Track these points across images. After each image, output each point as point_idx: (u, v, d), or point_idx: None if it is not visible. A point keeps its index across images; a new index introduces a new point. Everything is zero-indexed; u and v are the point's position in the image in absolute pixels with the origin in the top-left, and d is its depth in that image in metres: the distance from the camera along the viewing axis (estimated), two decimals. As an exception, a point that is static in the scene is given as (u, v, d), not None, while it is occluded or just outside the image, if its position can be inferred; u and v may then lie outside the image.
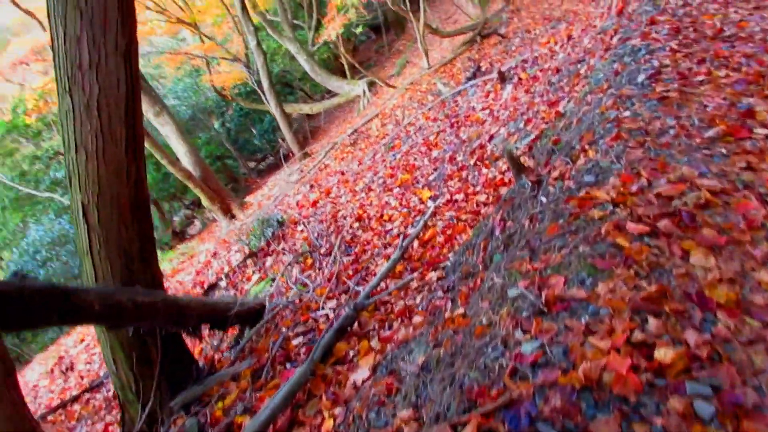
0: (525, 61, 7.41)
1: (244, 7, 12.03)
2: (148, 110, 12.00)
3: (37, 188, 14.54)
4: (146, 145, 12.06)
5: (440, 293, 3.39)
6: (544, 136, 4.70)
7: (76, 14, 2.71)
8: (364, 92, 18.37)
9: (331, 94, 20.22)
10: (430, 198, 5.36)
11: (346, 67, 20.63)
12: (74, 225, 3.18)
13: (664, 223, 2.54)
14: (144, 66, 20.01)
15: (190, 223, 19.42)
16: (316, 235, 5.78)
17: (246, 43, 16.02)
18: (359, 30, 14.69)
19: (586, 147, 3.55)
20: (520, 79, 6.93)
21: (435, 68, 13.76)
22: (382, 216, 5.57)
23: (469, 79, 11.61)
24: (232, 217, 12.90)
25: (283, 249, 6.38)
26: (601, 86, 4.48)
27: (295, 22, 19.83)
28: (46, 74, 14.50)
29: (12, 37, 15.36)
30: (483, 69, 11.77)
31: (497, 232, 3.36)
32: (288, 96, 23.20)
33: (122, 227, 3.09)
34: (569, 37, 7.02)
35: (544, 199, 3.21)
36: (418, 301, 3.58)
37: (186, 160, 12.49)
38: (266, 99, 13.13)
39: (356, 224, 5.62)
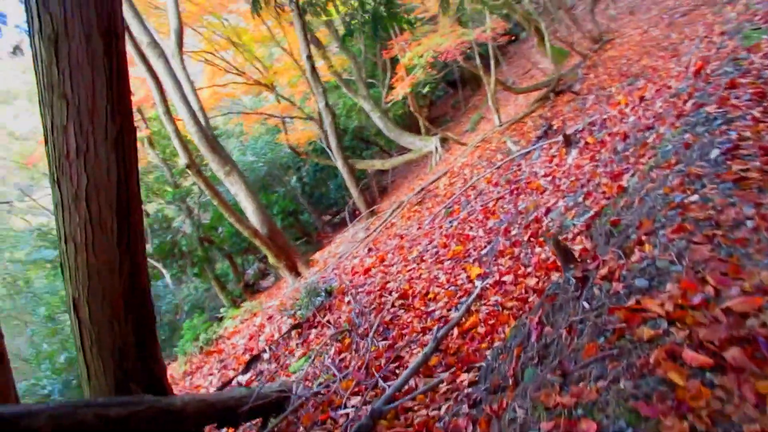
0: (593, 123, 6.89)
1: (313, 70, 12.23)
2: (219, 170, 12.29)
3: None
4: (214, 203, 12.34)
5: (466, 407, 2.92)
6: (604, 214, 4.17)
7: (62, 103, 2.59)
8: (436, 149, 18.17)
9: (405, 149, 20.20)
10: (478, 276, 4.90)
11: (421, 122, 20.63)
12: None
13: (733, 353, 2.00)
14: (223, 124, 20.86)
15: (263, 276, 19.63)
16: (357, 311, 5.42)
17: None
18: (426, 90, 14.55)
19: (643, 238, 3.02)
20: (586, 143, 6.41)
21: (506, 126, 13.36)
22: (427, 294, 5.15)
23: (539, 138, 11.12)
24: (298, 274, 12.81)
25: (328, 321, 6.06)
26: (668, 160, 3.94)
27: (370, 80, 20.10)
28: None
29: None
30: (554, 127, 11.25)
31: (533, 337, 2.87)
32: (364, 151, 23.43)
33: (115, 323, 2.88)
34: (641, 99, 6.46)
35: (586, 305, 2.71)
36: (442, 411, 3.11)
37: (253, 218, 12.60)
38: (334, 157, 13.15)
39: (399, 302, 5.23)
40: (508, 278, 4.52)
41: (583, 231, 4.25)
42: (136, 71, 10.92)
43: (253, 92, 18.27)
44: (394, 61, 18.44)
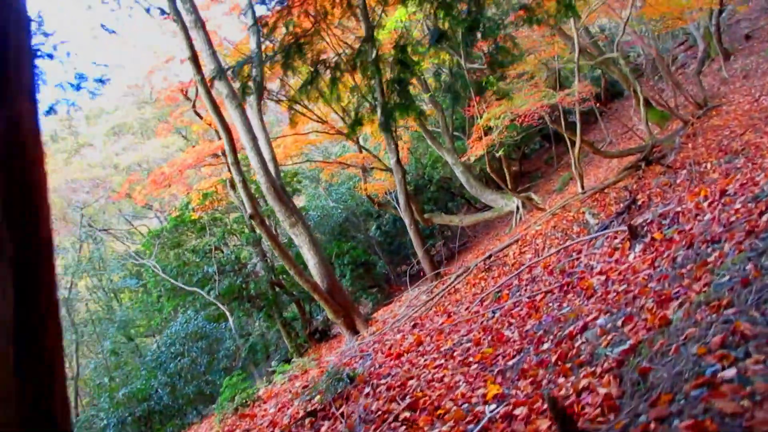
0: (665, 215, 5.99)
1: (387, 126, 11.95)
2: (284, 220, 12.24)
3: (190, 281, 15.45)
4: (276, 253, 12.29)
5: None
6: (638, 352, 3.41)
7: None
8: (518, 209, 17.37)
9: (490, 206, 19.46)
10: (494, 398, 4.21)
11: (508, 177, 19.85)
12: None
13: None
14: (308, 168, 21.10)
15: (331, 324, 19.37)
16: (361, 417, 4.85)
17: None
18: (501, 152, 13.88)
19: (652, 426, 2.30)
20: (652, 239, 5.54)
21: (590, 194, 12.40)
22: (437, 409, 4.51)
23: (619, 214, 10.11)
24: (356, 332, 12.39)
25: (342, 414, 5.53)
26: (720, 298, 3.14)
27: (456, 133, 19.68)
28: (212, 176, 15.75)
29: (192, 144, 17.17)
30: (639, 202, 10.22)
31: None
32: (449, 202, 22.86)
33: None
34: (722, 193, 5.52)
35: None
36: None
37: (315, 271, 12.38)
38: (402, 214, 12.74)
39: (406, 413, 4.61)
40: (521, 410, 3.81)
41: (614, 368, 3.50)
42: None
43: (338, 140, 18.38)
44: (474, 119, 17.97)
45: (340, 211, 19.78)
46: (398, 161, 12.07)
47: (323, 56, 10.13)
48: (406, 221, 12.68)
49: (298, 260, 12.62)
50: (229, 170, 16.70)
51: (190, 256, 16.08)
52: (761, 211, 4.01)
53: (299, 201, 23.49)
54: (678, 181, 9.89)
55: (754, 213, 4.14)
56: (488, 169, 12.12)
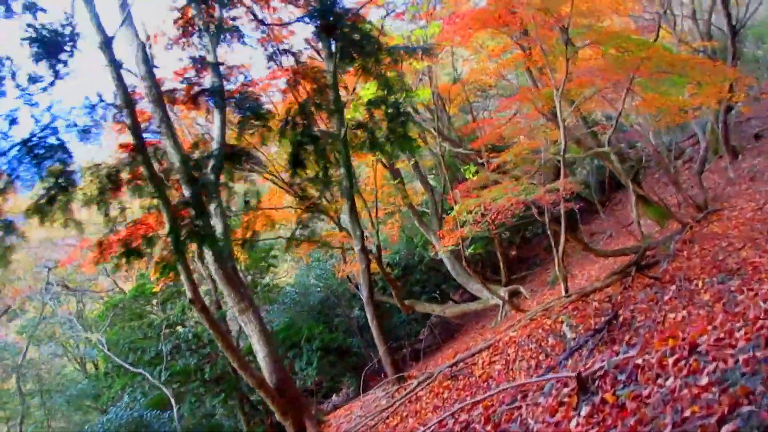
0: (620, 367, 4.79)
1: (352, 209, 11.01)
2: (234, 305, 11.15)
3: (141, 359, 14.25)
4: (219, 343, 11.12)
5: None
6: None
7: None
8: (503, 303, 16.13)
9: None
10: None
11: (502, 264, 18.66)
12: None
13: None
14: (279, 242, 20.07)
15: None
16: None
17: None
18: (470, 250, 12.82)
19: None
20: (602, 400, 4.36)
21: (575, 298, 11.22)
22: None
23: (597, 330, 8.89)
24: (305, 439, 11.05)
25: None
26: None
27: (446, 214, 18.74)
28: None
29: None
30: (620, 318, 9.01)
31: None
32: (441, 285, 21.46)
33: None
34: (692, 348, 4.35)
35: None
36: None
37: (264, 364, 11.16)
38: (366, 307, 11.55)
39: None
40: None
41: None
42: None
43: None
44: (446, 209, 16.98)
45: (319, 290, 18.63)
46: (363, 248, 11.00)
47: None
48: (369, 315, 11.47)
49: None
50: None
51: (148, 330, 14.92)
52: (721, 415, 2.84)
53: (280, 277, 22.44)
54: (665, 298, 8.69)
55: (715, 409, 2.98)
56: (464, 263, 10.97)
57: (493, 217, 10.02)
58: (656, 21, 12.14)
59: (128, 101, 8.83)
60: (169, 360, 14.20)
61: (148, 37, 10.98)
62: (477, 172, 13.59)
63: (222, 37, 11.42)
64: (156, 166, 10.13)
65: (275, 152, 15.08)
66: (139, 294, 15.17)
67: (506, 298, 16.05)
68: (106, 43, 8.55)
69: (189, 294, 9.98)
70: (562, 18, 10.78)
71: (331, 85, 10.84)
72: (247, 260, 16.66)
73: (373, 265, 16.10)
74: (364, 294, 11.28)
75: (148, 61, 10.27)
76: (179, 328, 15.13)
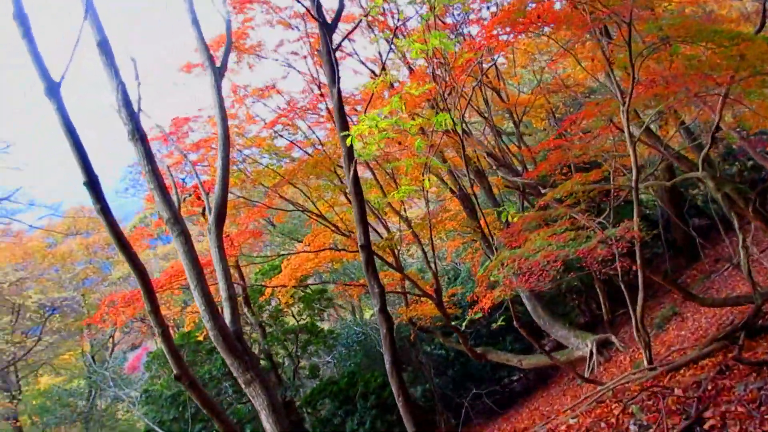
0: None
1: (368, 261, 9.13)
2: (239, 376, 9.70)
3: (183, 414, 13.31)
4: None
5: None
6: None
7: None
8: (592, 354, 13.45)
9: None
10: None
11: (602, 299, 15.80)
12: None
13: None
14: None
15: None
16: None
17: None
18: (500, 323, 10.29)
19: None
20: None
21: (661, 371, 8.63)
22: None
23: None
24: None
25: None
26: None
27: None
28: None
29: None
30: (705, 426, 6.31)
31: None
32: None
33: None
34: None
35: None
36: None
37: (273, 444, 9.60)
38: (390, 379, 9.52)
39: None
40: None
41: None
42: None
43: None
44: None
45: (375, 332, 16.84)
46: (382, 309, 9.07)
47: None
48: (393, 390, 9.45)
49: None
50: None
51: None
52: None
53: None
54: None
55: None
56: (515, 322, 8.64)
57: (526, 278, 7.63)
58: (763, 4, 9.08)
59: (82, 156, 7.63)
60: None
61: (137, 76, 10.00)
62: (522, 212, 11.22)
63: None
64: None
65: (314, 185, 13.58)
66: (184, 343, 14.33)
67: (594, 349, 13.38)
68: (51, 89, 7.41)
69: (175, 370, 8.67)
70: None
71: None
72: (299, 303, 15.38)
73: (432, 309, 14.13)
74: (387, 360, 9.29)
75: (128, 104, 9.19)
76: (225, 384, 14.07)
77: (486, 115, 13.79)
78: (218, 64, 10.65)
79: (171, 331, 16.26)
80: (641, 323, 8.64)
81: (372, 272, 9.28)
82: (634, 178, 8.59)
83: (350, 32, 9.06)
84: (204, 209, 15.00)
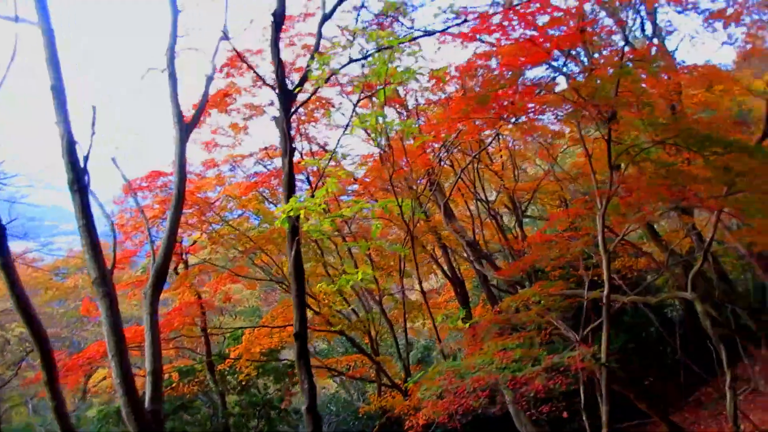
0: None
1: (301, 355, 8.19)
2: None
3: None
4: None
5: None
6: None
7: None
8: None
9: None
10: None
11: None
12: None
13: None
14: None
15: None
16: None
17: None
18: None
19: None
20: None
21: None
22: None
23: None
24: None
25: None
26: None
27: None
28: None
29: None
30: None
31: None
32: None
33: None
34: None
35: None
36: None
37: None
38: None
39: None
40: None
41: None
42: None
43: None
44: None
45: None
46: (310, 408, 8.00)
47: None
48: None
49: None
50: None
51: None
52: None
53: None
54: None
55: None
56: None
57: (455, 406, 6.34)
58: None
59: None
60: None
61: (94, 123, 9.53)
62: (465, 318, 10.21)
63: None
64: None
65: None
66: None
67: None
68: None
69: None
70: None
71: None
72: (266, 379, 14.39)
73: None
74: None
75: (72, 153, 8.60)
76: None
77: (480, 197, 12.95)
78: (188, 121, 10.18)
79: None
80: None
81: (304, 364, 8.25)
82: (605, 293, 7.55)
83: (303, 103, 8.48)
84: (177, 266, 14.46)
